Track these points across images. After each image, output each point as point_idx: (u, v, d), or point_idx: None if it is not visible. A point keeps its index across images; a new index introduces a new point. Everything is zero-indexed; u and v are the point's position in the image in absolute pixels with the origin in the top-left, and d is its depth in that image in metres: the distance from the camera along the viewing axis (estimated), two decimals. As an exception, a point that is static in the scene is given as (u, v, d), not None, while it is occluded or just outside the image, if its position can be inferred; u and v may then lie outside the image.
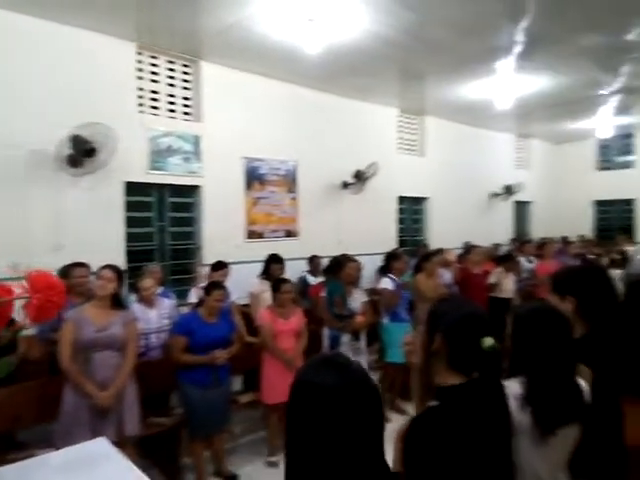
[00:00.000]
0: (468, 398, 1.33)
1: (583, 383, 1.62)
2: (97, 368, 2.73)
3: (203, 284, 4.36)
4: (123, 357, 2.84)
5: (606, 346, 1.88)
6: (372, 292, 5.24)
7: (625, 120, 9.15)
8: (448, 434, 1.26)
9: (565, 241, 8.66)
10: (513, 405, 1.47)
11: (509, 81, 6.28)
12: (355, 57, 5.54)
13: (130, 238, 5.17)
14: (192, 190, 5.74)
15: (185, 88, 5.68)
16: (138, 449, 2.85)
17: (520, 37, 5.09)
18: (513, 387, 1.52)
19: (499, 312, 2.07)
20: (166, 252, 5.56)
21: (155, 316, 3.82)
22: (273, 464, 3.63)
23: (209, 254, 5.63)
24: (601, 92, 7.29)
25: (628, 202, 10.79)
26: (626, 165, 10.90)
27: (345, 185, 7.04)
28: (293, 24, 4.61)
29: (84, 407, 2.67)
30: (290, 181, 6.55)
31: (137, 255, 5.21)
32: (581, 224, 11.05)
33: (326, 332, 4.11)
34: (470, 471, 1.26)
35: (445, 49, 5.49)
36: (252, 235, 6.16)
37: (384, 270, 5.68)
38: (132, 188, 5.16)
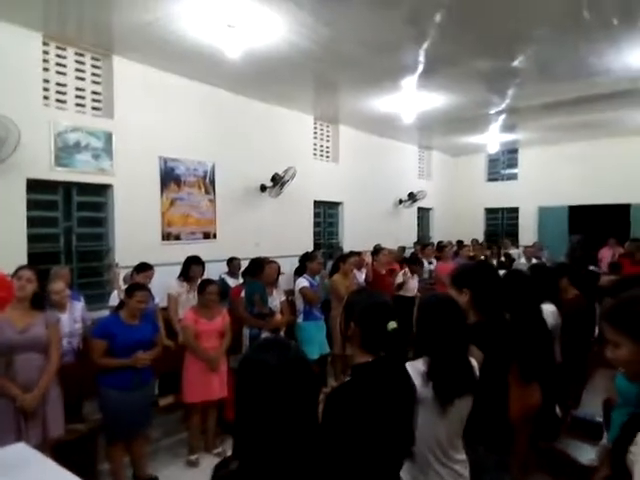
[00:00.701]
0: (375, 372, 1.58)
1: (474, 362, 1.95)
2: (20, 370, 2.68)
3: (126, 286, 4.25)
4: (46, 359, 2.79)
5: (495, 332, 2.24)
6: (290, 293, 5.43)
7: (511, 137, 10.39)
8: (357, 400, 1.50)
9: (460, 245, 9.58)
10: (418, 380, 1.75)
11: (413, 97, 6.88)
12: (273, 63, 5.68)
13: (33, 239, 4.82)
14: (102, 189, 5.49)
15: (95, 82, 5.42)
16: (54, 455, 2.75)
17: (422, 58, 5.61)
18: (418, 366, 1.80)
19: (405, 309, 2.36)
20: (73, 254, 5.25)
21: (67, 320, 3.65)
22: (193, 463, 3.66)
23: (122, 256, 5.43)
24: (490, 111, 8.21)
25: (513, 210, 12.21)
26: (511, 177, 12.32)
27: (263, 188, 7.17)
28: (213, 28, 4.65)
29: (7, 410, 2.61)
30: (208, 183, 6.52)
31: (40, 257, 4.86)
32: (474, 229, 12.26)
33: (246, 331, 4.21)
34: (374, 430, 1.49)
35: (356, 64, 5.84)
36: (168, 237, 6.04)
37: (300, 271, 5.92)
38: (35, 186, 4.82)
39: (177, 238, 6.15)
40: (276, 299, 4.33)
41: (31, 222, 4.80)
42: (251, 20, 4.53)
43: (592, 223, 10.57)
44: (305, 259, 5.22)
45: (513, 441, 2.27)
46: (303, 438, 1.11)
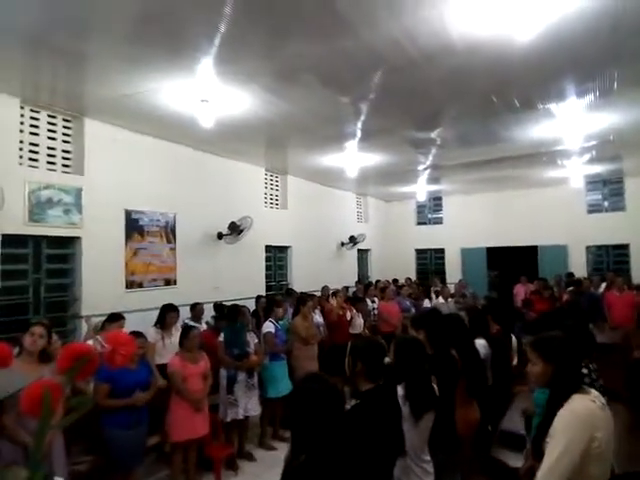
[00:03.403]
0: (377, 396, 2.23)
1: (435, 386, 2.65)
2: (30, 419, 2.90)
3: (97, 336, 4.53)
4: None
5: (445, 361, 2.98)
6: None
7: (436, 187, 11.81)
8: (366, 417, 2.13)
9: (395, 283, 10.56)
10: (400, 401, 2.41)
11: (353, 156, 7.87)
12: (235, 128, 6.36)
13: (4, 292, 4.95)
14: (71, 241, 5.72)
15: (65, 142, 5.74)
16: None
17: (360, 127, 6.58)
18: (398, 390, 2.47)
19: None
20: (41, 305, 5.39)
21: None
22: (180, 499, 3.97)
23: (88, 306, 5.64)
24: (418, 167, 9.45)
25: (440, 251, 13.61)
26: (437, 221, 13.79)
27: (220, 236, 7.66)
28: (188, 102, 5.24)
29: (16, 456, 2.87)
30: (169, 232, 6.91)
31: (10, 309, 5.00)
32: (407, 268, 13.47)
33: (223, 372, 4.63)
34: (379, 437, 2.13)
35: (306, 130, 6.69)
36: (132, 285, 6.30)
37: (256, 313, 6.43)
38: (8, 241, 5.00)
39: (140, 286, 6.43)
40: (250, 341, 4.80)
41: (3, 275, 4.94)
42: (222, 95, 5.18)
43: (506, 263, 12.14)
44: (272, 304, 5.63)
45: (460, 448, 2.99)
46: (336, 437, 1.73)
